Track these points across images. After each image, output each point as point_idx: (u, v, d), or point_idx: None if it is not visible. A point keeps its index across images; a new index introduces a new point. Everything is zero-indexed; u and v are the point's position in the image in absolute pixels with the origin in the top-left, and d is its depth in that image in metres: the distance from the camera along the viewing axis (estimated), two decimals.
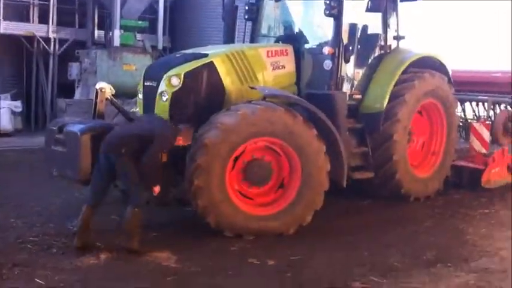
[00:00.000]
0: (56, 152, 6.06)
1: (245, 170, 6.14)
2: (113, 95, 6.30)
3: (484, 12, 16.26)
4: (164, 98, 6.29)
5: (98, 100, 6.28)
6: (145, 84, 6.59)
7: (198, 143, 5.85)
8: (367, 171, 7.26)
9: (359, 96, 7.54)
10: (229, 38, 7.86)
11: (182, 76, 6.28)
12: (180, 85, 6.26)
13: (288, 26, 8.02)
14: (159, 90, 6.33)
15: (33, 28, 14.37)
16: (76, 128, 5.84)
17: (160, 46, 15.51)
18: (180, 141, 5.83)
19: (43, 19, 14.58)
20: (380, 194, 7.67)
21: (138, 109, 6.79)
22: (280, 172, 6.31)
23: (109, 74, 13.72)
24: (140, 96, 6.70)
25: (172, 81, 6.27)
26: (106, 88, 6.23)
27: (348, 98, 7.18)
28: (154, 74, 6.54)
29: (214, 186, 5.83)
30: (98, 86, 6.31)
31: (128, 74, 13.72)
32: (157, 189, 5.54)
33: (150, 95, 6.43)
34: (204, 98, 6.39)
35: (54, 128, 6.16)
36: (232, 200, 6.00)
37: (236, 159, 6.06)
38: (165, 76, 6.33)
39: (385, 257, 5.58)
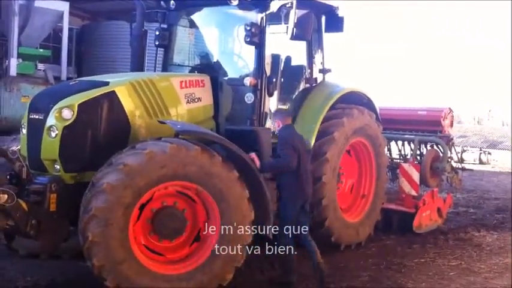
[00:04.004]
0: None
1: (153, 220, 5.33)
2: None
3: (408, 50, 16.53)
4: (53, 134, 5.30)
5: None
6: (30, 117, 5.56)
7: (95, 188, 4.94)
8: None
9: None
10: (137, 66, 6.97)
11: (76, 108, 5.33)
12: (73, 118, 5.31)
13: (204, 55, 7.29)
14: (47, 125, 5.34)
15: None
16: None
17: (63, 77, 14.35)
18: None
19: None
20: None
21: (20, 147, 5.61)
22: (195, 222, 5.53)
23: (4, 107, 12.58)
24: (24, 131, 5.58)
25: (63, 113, 5.29)
26: None
27: (271, 135, 6.47)
28: (41, 105, 5.53)
29: (114, 241, 4.92)
30: None
31: (26, 106, 12.35)
32: None
33: (36, 130, 5.41)
34: (103, 135, 5.46)
35: None
36: (137, 257, 5.10)
37: (142, 207, 5.22)
38: (54, 107, 5.35)
39: None
